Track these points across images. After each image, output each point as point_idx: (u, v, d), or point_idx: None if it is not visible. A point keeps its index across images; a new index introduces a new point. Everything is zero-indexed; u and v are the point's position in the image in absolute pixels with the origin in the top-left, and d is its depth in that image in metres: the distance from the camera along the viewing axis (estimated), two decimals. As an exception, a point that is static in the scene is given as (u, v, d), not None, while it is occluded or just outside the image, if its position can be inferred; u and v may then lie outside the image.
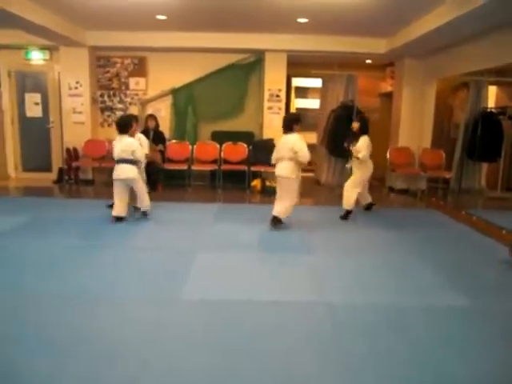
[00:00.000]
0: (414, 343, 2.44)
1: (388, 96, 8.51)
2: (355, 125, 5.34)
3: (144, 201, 5.01)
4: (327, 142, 7.68)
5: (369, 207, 5.71)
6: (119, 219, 4.86)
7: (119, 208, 4.86)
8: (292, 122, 4.65)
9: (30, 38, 6.58)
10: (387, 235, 4.76)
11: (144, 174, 5.27)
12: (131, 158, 4.79)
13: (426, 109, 7.47)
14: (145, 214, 5.09)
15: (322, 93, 8.46)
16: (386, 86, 8.74)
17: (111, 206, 5.02)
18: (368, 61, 8.36)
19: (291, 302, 2.99)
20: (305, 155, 4.51)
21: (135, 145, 4.87)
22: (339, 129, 7.07)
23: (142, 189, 4.97)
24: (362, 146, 5.17)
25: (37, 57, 7.70)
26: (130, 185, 4.89)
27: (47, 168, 7.98)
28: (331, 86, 8.04)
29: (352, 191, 5.28)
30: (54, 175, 7.79)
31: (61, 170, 7.64)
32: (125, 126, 4.87)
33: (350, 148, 5.36)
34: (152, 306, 2.86)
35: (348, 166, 5.60)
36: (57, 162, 7.89)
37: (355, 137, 5.33)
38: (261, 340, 2.46)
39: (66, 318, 2.66)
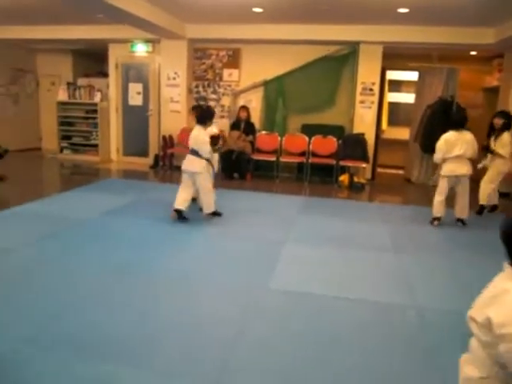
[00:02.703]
0: None
1: (493, 91, 7.85)
2: (498, 121, 5.13)
3: (207, 202, 4.55)
4: (421, 138, 7.31)
5: (493, 209, 5.51)
6: (179, 213, 4.50)
7: (179, 200, 4.48)
8: (465, 119, 4.79)
9: (136, 32, 7.05)
10: (481, 238, 4.45)
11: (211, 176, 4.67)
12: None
13: (537, 105, 6.78)
14: (211, 215, 4.63)
15: (418, 87, 8.04)
16: (492, 80, 8.05)
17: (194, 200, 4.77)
18: (473, 52, 7.78)
19: (377, 301, 2.94)
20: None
21: (201, 139, 4.42)
22: (435, 126, 6.68)
23: (205, 187, 4.50)
24: (506, 142, 5.07)
25: (141, 49, 8.24)
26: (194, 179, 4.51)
27: (144, 153, 8.53)
28: (429, 79, 7.62)
29: (487, 186, 5.28)
30: (150, 160, 8.32)
31: (157, 156, 8.14)
32: (206, 117, 4.52)
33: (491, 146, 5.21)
34: (240, 292, 2.98)
35: (480, 165, 5.42)
36: (153, 148, 8.41)
37: (495, 134, 5.16)
38: (345, 336, 2.46)
39: (162, 297, 2.87)
